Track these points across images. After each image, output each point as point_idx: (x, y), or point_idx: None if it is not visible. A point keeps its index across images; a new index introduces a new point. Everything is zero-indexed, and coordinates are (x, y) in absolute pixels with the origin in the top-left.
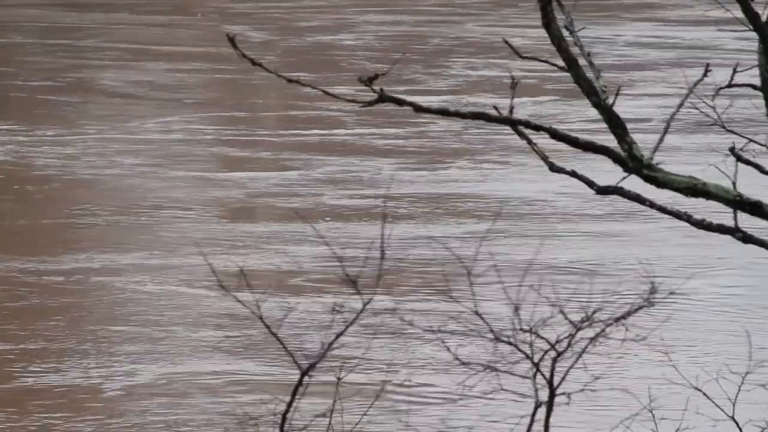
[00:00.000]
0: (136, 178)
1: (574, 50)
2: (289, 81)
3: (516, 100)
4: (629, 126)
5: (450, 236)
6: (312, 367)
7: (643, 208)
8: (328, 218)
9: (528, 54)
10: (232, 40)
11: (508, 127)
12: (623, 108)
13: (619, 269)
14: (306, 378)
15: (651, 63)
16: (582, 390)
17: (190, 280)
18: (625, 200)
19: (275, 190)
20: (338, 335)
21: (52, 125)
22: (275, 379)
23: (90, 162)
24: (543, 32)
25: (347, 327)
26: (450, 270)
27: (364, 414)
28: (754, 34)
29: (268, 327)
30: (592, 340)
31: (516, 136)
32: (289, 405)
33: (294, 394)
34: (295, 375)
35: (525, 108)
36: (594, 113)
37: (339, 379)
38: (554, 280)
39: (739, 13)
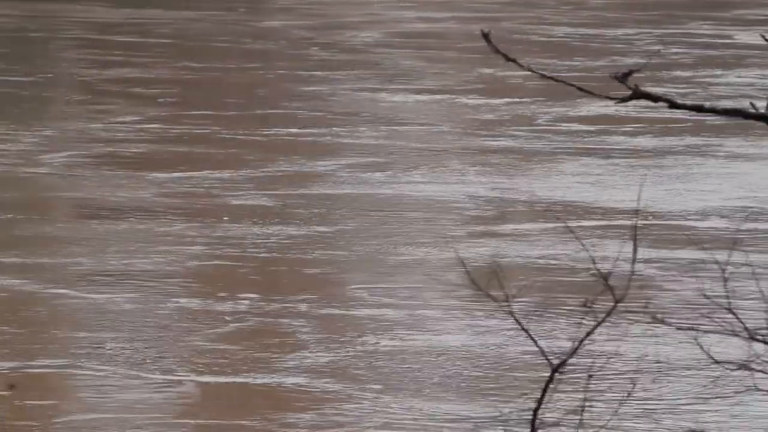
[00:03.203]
0: (62, 177)
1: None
2: (543, 77)
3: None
4: None
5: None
6: (562, 364)
7: None
8: (225, 218)
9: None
10: (486, 36)
11: None
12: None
13: None
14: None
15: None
16: None
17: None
18: None
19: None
20: (588, 333)
21: (10, 120)
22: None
23: (25, 159)
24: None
25: (598, 324)
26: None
27: (615, 411)
28: None
29: (518, 322)
30: None
31: None
32: (540, 401)
33: (545, 390)
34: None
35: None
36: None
37: (590, 376)
38: None
39: None
